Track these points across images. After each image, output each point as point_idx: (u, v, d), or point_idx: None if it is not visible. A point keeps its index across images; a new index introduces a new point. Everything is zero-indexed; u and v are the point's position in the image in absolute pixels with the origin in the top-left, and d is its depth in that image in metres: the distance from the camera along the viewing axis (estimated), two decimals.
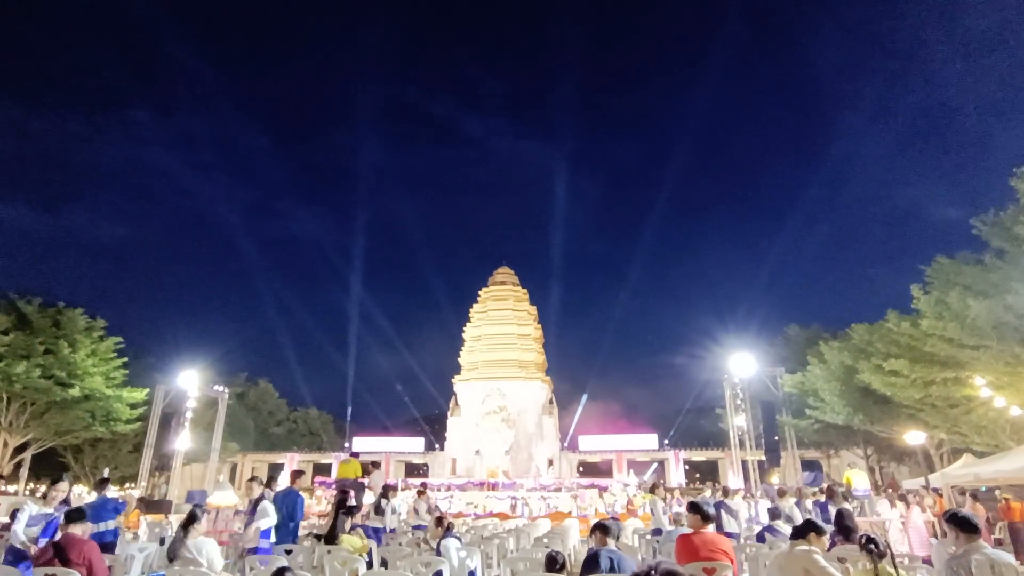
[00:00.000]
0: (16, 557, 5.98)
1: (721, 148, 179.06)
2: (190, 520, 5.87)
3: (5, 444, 25.87)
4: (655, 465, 43.09)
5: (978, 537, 4.19)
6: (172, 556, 5.71)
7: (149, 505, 23.86)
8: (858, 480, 17.54)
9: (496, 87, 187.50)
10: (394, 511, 11.95)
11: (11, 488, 31.34)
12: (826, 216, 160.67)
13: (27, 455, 28.23)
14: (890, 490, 20.24)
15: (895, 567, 4.84)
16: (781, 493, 12.04)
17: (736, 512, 10.55)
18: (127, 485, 32.12)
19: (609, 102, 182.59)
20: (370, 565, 7.60)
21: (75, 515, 5.62)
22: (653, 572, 1.47)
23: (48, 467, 33.72)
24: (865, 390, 23.41)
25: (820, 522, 4.98)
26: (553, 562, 4.91)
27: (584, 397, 54.56)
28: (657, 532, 9.69)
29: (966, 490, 16.02)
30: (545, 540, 10.17)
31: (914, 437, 19.91)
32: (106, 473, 30.03)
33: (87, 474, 33.90)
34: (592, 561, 4.99)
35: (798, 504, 11.74)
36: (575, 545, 13.17)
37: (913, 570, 5.68)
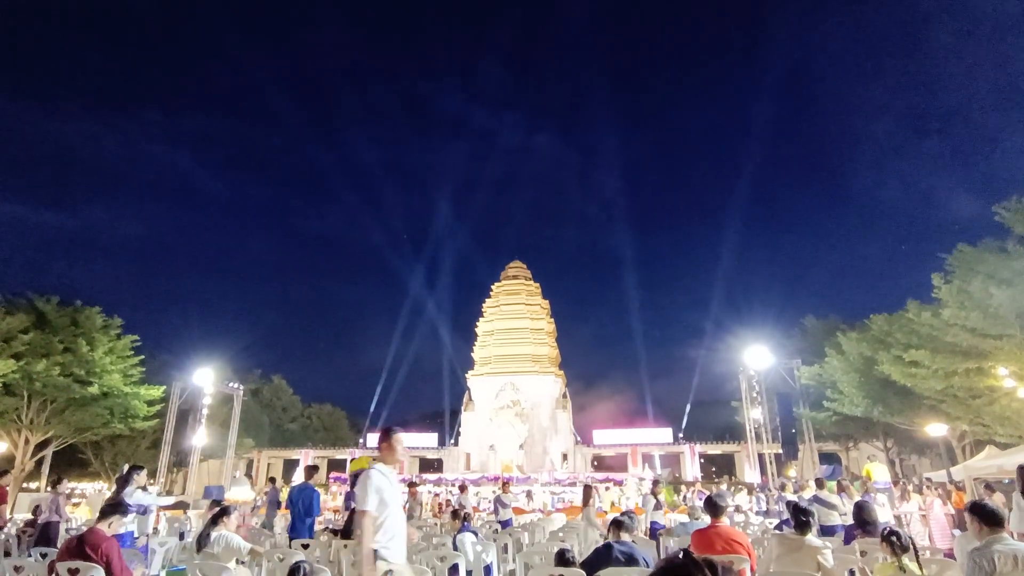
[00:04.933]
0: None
1: (735, 140, 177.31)
2: (221, 514, 6.09)
3: (27, 441, 26.28)
4: (657, 456, 42.87)
5: (1001, 530, 4.05)
6: (199, 547, 5.97)
7: None
8: (878, 473, 17.23)
9: (509, 80, 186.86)
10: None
11: (32, 485, 31.93)
12: (842, 205, 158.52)
13: (48, 452, 28.68)
14: (903, 482, 19.94)
15: (918, 561, 4.71)
16: (783, 487, 12.03)
17: (835, 505, 10.41)
18: (150, 481, 32.60)
19: (623, 96, 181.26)
20: None
21: (109, 510, 5.64)
22: (684, 557, 1.37)
23: (69, 464, 34.30)
24: (885, 381, 23.06)
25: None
26: (563, 557, 4.97)
27: (598, 391, 54.46)
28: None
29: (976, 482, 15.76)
30: (560, 534, 10.12)
31: (936, 429, 19.60)
32: (125, 470, 30.46)
33: (107, 470, 34.44)
34: (604, 553, 5.00)
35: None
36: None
37: (946, 565, 5.53)
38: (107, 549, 5.21)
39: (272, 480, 15.64)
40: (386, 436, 4.42)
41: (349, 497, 9.80)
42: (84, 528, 6.27)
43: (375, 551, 3.96)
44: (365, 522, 3.97)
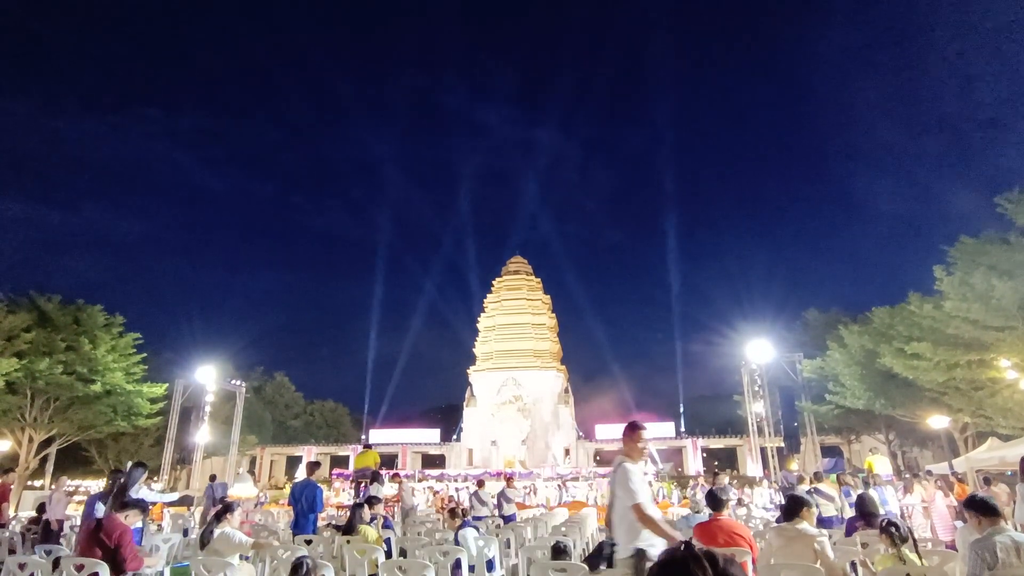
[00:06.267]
0: None
1: (736, 134, 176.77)
2: (225, 510, 6.17)
3: (31, 440, 26.35)
4: (655, 450, 42.80)
5: (1000, 519, 4.06)
6: (203, 543, 6.08)
7: None
8: (880, 465, 17.24)
9: (509, 75, 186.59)
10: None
11: (37, 483, 32.04)
12: (843, 199, 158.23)
13: (52, 450, 28.78)
14: (906, 474, 19.95)
15: (917, 552, 4.71)
16: (800, 479, 12.00)
17: (832, 498, 10.47)
18: (153, 479, 32.72)
19: (624, 92, 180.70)
20: (389, 555, 7.60)
21: (131, 503, 5.89)
22: (686, 549, 1.36)
23: (73, 462, 34.39)
24: (887, 374, 23.04)
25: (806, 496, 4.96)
26: (559, 551, 5.05)
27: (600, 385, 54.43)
28: None
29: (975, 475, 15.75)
30: (563, 529, 10.13)
31: (938, 421, 19.60)
32: (128, 467, 30.54)
33: (110, 468, 34.51)
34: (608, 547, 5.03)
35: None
36: (592, 533, 13.13)
37: (947, 556, 5.54)
38: (120, 536, 5.40)
39: (212, 477, 15.93)
40: (631, 431, 4.21)
41: (365, 491, 9.91)
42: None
43: (643, 550, 3.76)
44: (649, 512, 3.82)
